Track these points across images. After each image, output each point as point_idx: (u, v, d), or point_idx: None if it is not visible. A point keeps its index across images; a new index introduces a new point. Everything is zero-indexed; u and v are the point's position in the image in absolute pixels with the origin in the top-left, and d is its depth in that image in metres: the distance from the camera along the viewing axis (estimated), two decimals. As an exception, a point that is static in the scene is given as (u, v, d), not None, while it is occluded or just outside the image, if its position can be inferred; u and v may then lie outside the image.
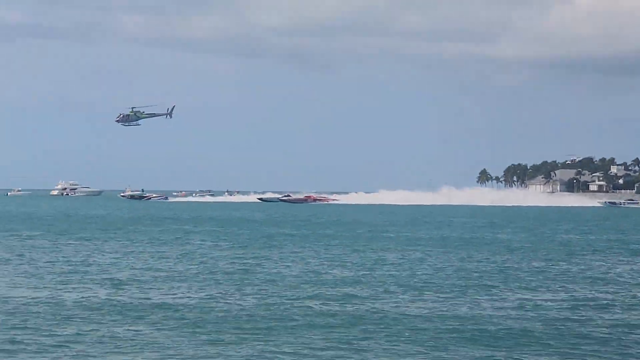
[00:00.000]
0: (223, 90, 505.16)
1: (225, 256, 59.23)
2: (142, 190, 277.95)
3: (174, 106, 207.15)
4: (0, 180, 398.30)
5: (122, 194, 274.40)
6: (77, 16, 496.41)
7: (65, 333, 29.14)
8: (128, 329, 29.92)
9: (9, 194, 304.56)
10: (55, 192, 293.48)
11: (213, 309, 34.20)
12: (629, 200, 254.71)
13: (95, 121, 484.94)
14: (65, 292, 39.34)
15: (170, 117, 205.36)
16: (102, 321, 31.43)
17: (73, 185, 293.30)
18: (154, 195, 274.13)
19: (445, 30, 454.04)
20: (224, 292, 39.37)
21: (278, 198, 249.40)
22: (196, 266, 51.90)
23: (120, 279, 44.57)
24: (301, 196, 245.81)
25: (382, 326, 30.72)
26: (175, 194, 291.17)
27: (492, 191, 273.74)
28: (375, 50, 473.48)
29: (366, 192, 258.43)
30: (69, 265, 51.96)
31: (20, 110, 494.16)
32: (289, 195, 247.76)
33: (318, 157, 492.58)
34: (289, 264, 53.43)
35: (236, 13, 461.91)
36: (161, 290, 39.96)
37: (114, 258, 57.12)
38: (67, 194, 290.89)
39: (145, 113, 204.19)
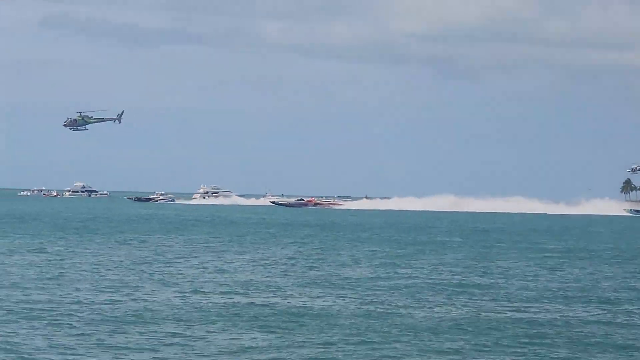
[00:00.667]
0: (365, 96, 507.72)
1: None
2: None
3: (123, 111, 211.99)
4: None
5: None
6: (218, 22, 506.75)
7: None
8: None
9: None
10: (197, 196, 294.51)
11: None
12: None
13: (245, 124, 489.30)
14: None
15: (119, 122, 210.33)
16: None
17: (215, 189, 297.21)
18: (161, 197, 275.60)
19: (589, 38, 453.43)
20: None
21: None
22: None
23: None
24: (295, 200, 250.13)
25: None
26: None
27: None
28: (518, 57, 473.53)
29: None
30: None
31: (164, 115, 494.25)
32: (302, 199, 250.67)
33: (458, 161, 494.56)
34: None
35: (377, 19, 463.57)
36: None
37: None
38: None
39: (93, 118, 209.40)
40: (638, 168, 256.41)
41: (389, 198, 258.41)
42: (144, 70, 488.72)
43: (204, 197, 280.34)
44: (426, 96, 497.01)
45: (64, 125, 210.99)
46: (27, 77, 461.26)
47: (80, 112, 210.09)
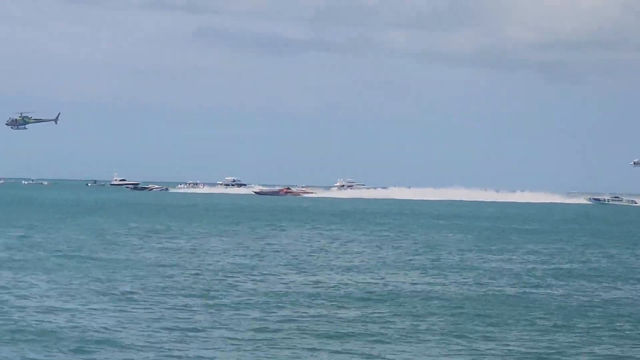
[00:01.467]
0: (477, 102, 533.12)
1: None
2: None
3: (59, 113, 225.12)
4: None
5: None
6: (349, 32, 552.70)
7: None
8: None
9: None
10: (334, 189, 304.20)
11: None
12: None
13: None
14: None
15: (56, 123, 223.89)
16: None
17: (349, 182, 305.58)
18: (156, 186, 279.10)
19: None
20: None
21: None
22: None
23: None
24: (276, 189, 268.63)
25: None
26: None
27: None
28: (625, 65, 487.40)
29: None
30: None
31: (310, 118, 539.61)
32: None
33: (565, 165, 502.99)
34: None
35: (492, 27, 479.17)
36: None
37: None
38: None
39: (32, 118, 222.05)
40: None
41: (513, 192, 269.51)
42: (284, 75, 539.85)
43: (340, 189, 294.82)
44: (536, 99, 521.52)
45: (6, 124, 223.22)
46: (180, 81, 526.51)
47: (21, 113, 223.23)
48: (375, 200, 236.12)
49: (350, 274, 48.99)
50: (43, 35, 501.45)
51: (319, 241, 73.61)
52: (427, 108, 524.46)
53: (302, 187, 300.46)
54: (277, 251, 62.42)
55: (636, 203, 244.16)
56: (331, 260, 56.81)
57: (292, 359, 26.96)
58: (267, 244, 69.18)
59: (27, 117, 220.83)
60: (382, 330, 31.27)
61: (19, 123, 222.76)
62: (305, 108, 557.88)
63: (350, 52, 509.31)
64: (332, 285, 43.72)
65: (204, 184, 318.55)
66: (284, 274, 48.07)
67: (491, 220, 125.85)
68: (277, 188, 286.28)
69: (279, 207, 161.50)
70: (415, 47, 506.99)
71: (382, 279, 46.79)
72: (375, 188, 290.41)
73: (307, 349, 28.07)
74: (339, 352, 27.72)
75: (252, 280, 44.88)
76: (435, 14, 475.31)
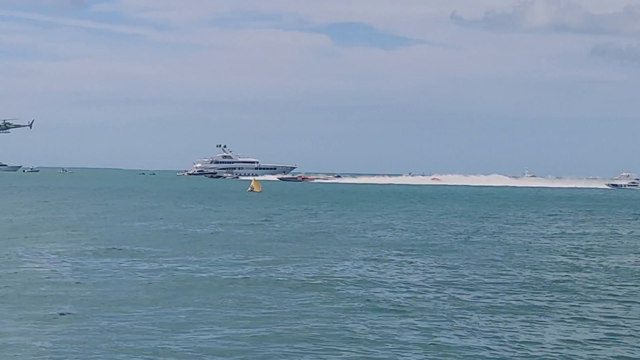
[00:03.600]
0: None
1: None
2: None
3: (33, 120, 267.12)
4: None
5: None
6: None
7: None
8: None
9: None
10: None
11: None
12: None
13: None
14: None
15: (30, 127, 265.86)
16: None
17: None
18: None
19: None
20: None
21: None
22: None
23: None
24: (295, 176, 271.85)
25: None
26: None
27: None
28: None
29: None
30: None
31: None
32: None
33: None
34: None
35: None
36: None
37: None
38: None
39: (12, 124, 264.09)
40: None
41: None
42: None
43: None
44: None
45: None
46: (578, 95, 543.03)
47: (4, 120, 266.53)
48: None
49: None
50: (463, 57, 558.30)
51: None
52: None
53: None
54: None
55: None
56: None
57: None
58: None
59: (9, 123, 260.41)
60: None
61: (1, 128, 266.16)
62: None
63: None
64: None
65: None
66: None
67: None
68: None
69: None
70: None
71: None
72: None
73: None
74: None
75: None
76: None
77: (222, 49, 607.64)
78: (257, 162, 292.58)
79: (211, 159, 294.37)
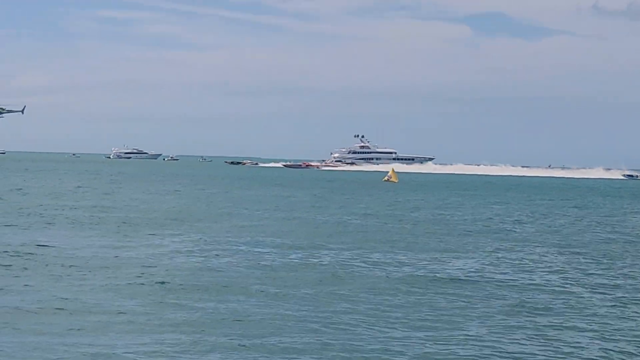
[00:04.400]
0: None
1: None
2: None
3: (25, 106, 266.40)
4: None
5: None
6: None
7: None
8: None
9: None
10: None
11: None
12: None
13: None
14: None
15: (22, 113, 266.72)
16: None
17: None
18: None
19: None
20: None
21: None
22: None
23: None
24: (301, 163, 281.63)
25: None
26: None
27: None
28: None
29: None
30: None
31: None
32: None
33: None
34: None
35: None
36: None
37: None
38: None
39: (5, 110, 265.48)
40: None
41: None
42: None
43: None
44: None
45: None
46: None
47: None
48: None
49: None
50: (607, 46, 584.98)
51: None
52: None
53: None
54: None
55: None
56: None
57: None
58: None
59: (2, 109, 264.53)
60: None
61: None
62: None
63: None
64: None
65: None
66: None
67: None
68: None
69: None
70: None
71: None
72: None
73: None
74: None
75: None
76: None
77: (363, 40, 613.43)
78: (395, 153, 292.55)
79: (349, 149, 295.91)
